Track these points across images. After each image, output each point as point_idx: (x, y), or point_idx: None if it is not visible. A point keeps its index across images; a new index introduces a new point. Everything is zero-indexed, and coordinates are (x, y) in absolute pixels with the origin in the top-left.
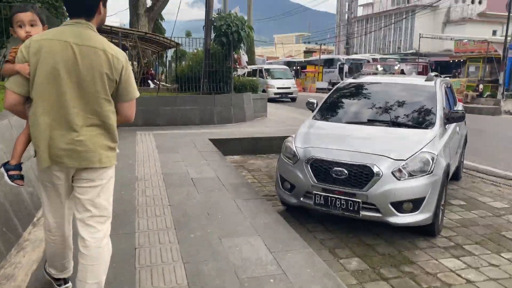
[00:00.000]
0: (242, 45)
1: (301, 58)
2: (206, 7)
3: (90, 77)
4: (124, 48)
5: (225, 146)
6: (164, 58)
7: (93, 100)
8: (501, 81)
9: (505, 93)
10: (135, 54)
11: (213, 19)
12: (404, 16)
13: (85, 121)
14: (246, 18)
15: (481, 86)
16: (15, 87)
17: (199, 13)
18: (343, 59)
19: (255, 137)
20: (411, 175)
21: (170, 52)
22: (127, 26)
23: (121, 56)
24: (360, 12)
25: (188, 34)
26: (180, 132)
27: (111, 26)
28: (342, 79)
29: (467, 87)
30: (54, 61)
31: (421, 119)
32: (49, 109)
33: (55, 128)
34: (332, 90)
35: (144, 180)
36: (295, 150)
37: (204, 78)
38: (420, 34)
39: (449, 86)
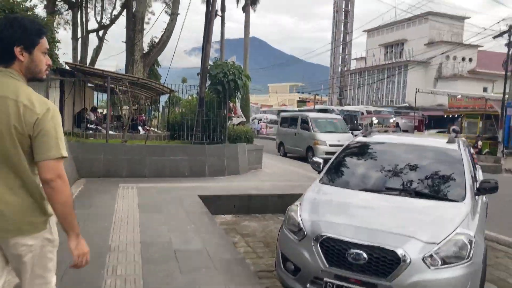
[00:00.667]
0: (238, 94)
1: (294, 107)
2: (202, 55)
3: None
4: (113, 93)
5: (216, 204)
6: (158, 104)
7: (6, 157)
8: (500, 139)
9: (505, 151)
10: (125, 99)
11: (209, 67)
12: (397, 71)
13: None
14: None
15: (480, 142)
16: None
17: (197, 61)
18: (338, 110)
19: (249, 194)
20: (445, 262)
21: (164, 98)
22: (124, 70)
23: (39, 107)
24: (353, 65)
25: (183, 81)
26: (168, 185)
27: (102, 70)
28: None
29: None
30: None
31: (448, 190)
32: None
33: None
34: (341, 149)
35: (118, 251)
36: (300, 223)
37: (196, 127)
38: (416, 89)
39: (469, 148)
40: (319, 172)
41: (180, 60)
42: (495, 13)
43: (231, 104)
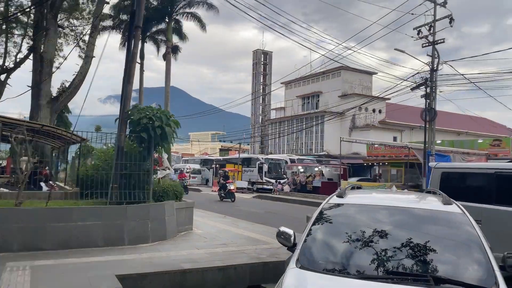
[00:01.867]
0: (166, 143)
1: (217, 156)
2: (122, 97)
3: None
4: (4, 140)
5: (140, 286)
6: (67, 155)
7: None
8: (424, 187)
9: None
10: (22, 149)
11: (129, 111)
12: (314, 121)
13: None
14: None
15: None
16: None
17: (112, 109)
18: (262, 158)
19: (182, 270)
20: None
21: (75, 148)
22: (29, 118)
23: None
24: (273, 115)
25: (97, 129)
26: (75, 262)
27: None
28: (261, 178)
29: None
30: None
31: (471, 271)
32: None
33: None
34: (316, 215)
35: None
36: None
37: (114, 183)
38: (341, 138)
39: None
40: (290, 248)
41: (94, 108)
42: (396, 70)
43: (156, 155)
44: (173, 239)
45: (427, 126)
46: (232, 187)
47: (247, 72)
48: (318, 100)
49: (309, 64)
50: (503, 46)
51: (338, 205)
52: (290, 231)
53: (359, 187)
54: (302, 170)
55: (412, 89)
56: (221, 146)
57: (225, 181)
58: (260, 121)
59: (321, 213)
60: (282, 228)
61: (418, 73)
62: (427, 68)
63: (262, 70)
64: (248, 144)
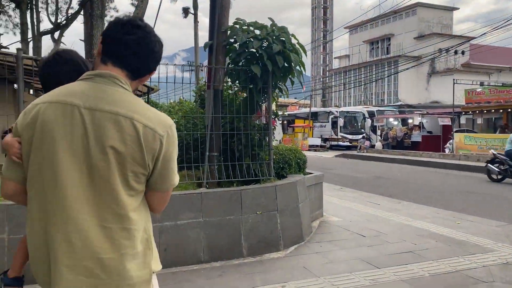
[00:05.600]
0: (287, 83)
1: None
2: (213, 7)
3: (104, 160)
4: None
5: None
6: None
7: (109, 194)
8: None
9: None
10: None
11: (228, 30)
12: (386, 68)
13: (98, 227)
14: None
15: None
16: (8, 172)
17: (171, 68)
18: (336, 111)
19: None
20: None
21: None
22: None
23: (161, 128)
24: (335, 64)
25: (153, 89)
26: None
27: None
28: (336, 134)
29: None
30: (51, 137)
31: None
32: (46, 211)
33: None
34: None
35: None
36: None
37: (211, 151)
38: (454, 80)
39: None
40: None
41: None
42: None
43: (263, 106)
44: (310, 239)
45: None
46: None
47: (295, 25)
48: (389, 44)
49: (378, 5)
50: None
51: None
52: None
53: None
54: (395, 122)
55: None
56: (278, 101)
57: None
58: (322, 72)
59: None
60: None
61: None
62: None
63: (322, 15)
64: (307, 99)
